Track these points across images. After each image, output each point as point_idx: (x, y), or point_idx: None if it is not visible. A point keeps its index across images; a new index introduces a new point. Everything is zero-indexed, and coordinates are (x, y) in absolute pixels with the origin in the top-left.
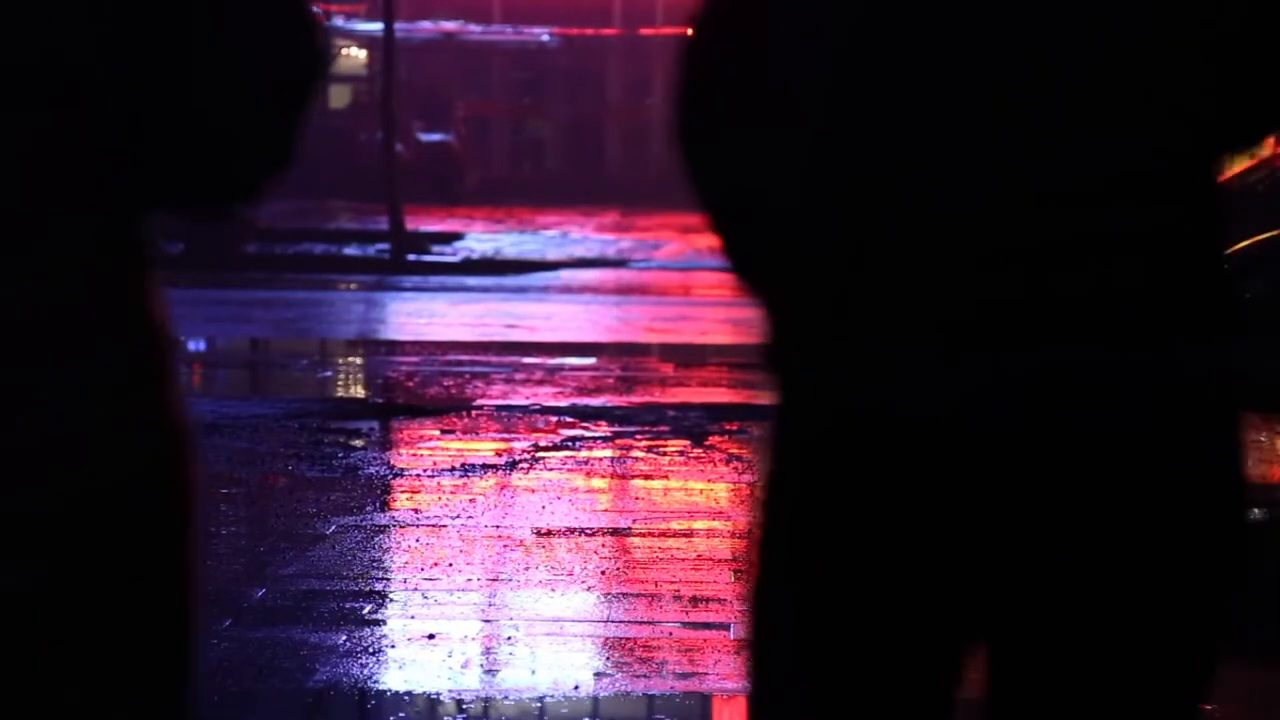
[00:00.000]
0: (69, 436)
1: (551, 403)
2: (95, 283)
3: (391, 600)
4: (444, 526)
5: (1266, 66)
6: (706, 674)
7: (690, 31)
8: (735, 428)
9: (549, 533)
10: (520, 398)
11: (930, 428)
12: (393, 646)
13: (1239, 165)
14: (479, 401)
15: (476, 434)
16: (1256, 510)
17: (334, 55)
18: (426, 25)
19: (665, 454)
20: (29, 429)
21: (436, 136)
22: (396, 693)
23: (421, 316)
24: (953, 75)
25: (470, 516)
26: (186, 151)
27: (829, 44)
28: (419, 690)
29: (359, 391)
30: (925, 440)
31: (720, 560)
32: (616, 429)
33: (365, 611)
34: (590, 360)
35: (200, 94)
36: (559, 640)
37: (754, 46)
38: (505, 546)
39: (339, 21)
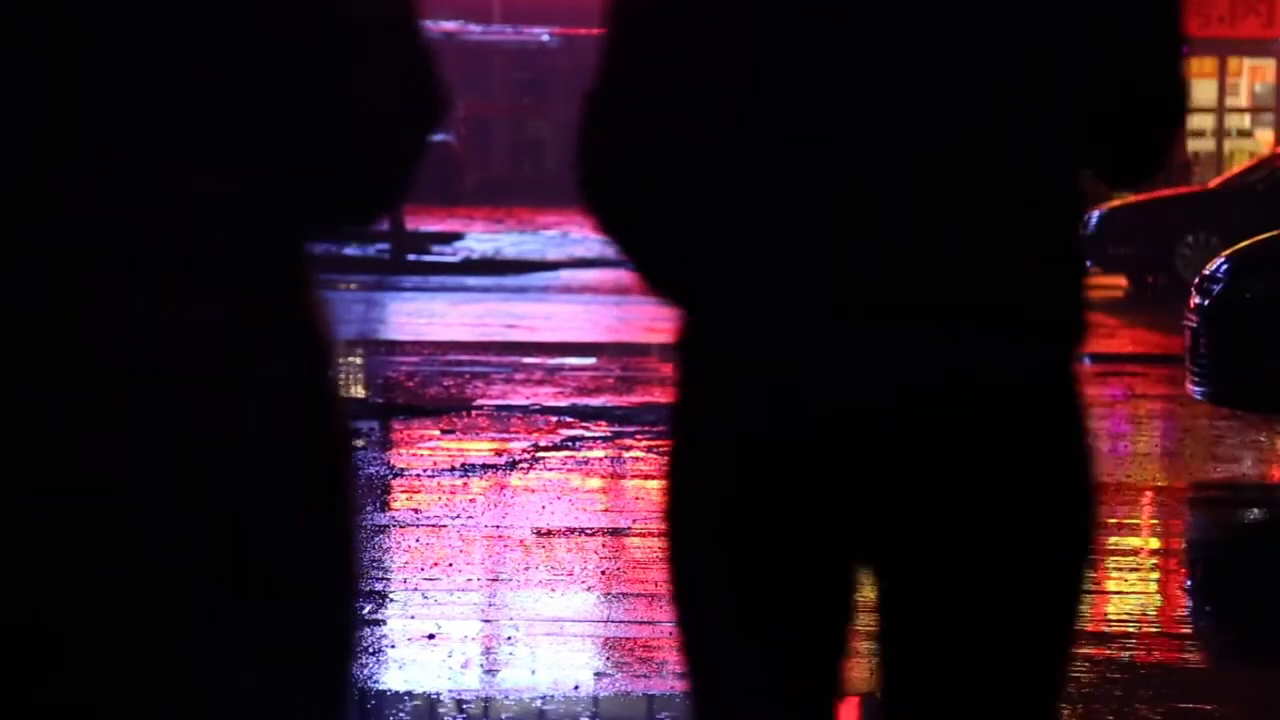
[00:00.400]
0: (269, 420)
1: (551, 403)
2: (277, 290)
3: (391, 600)
4: (444, 526)
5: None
6: None
7: (591, 86)
8: None
9: (549, 533)
10: (520, 398)
11: (819, 397)
12: (393, 646)
13: (1239, 165)
14: (479, 401)
15: (476, 434)
16: (1256, 510)
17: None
18: (426, 25)
19: (665, 454)
20: (234, 415)
21: (436, 136)
22: (396, 693)
23: (421, 316)
24: (836, 110)
25: (470, 516)
26: (337, 184)
27: (722, 89)
28: (419, 690)
29: (359, 391)
30: (816, 408)
31: None
32: (616, 429)
33: (365, 611)
34: (590, 360)
35: (348, 139)
36: (559, 640)
37: (648, 94)
38: (505, 546)
39: None
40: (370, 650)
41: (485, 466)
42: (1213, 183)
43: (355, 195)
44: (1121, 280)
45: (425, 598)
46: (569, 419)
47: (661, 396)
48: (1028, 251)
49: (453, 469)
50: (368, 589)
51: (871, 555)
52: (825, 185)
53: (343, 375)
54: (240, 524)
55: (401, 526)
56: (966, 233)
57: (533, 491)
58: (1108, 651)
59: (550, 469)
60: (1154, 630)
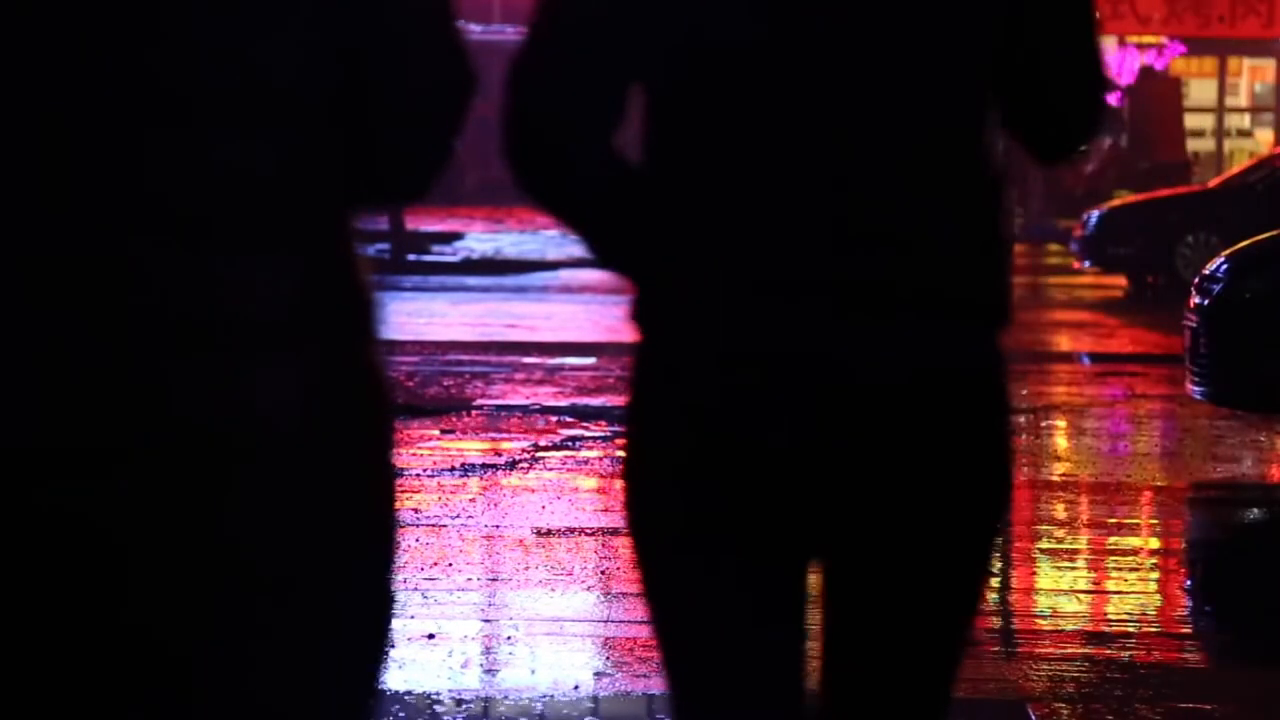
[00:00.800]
0: (326, 369)
1: (551, 402)
2: (333, 254)
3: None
4: (444, 526)
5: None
6: None
7: (512, 63)
8: None
9: (548, 532)
10: (520, 397)
11: (762, 371)
12: (393, 646)
13: (1239, 165)
14: (479, 401)
15: (476, 434)
16: (1256, 510)
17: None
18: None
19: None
20: (296, 365)
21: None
22: (396, 693)
23: (421, 316)
24: (779, 82)
25: (470, 516)
26: (379, 162)
27: (657, 68)
28: (419, 690)
29: None
30: (759, 385)
31: None
32: (616, 429)
33: None
34: (590, 360)
35: (391, 119)
36: (559, 640)
37: (577, 64)
38: (504, 546)
39: None
40: None
41: (485, 466)
42: (1213, 183)
43: (401, 172)
44: (1121, 280)
45: (425, 598)
46: (569, 419)
47: None
48: (957, 235)
49: (452, 469)
50: None
51: (817, 537)
52: (758, 167)
53: None
54: (304, 464)
55: (401, 526)
56: (895, 215)
57: (532, 491)
58: (1108, 651)
59: (550, 469)
60: (1154, 630)
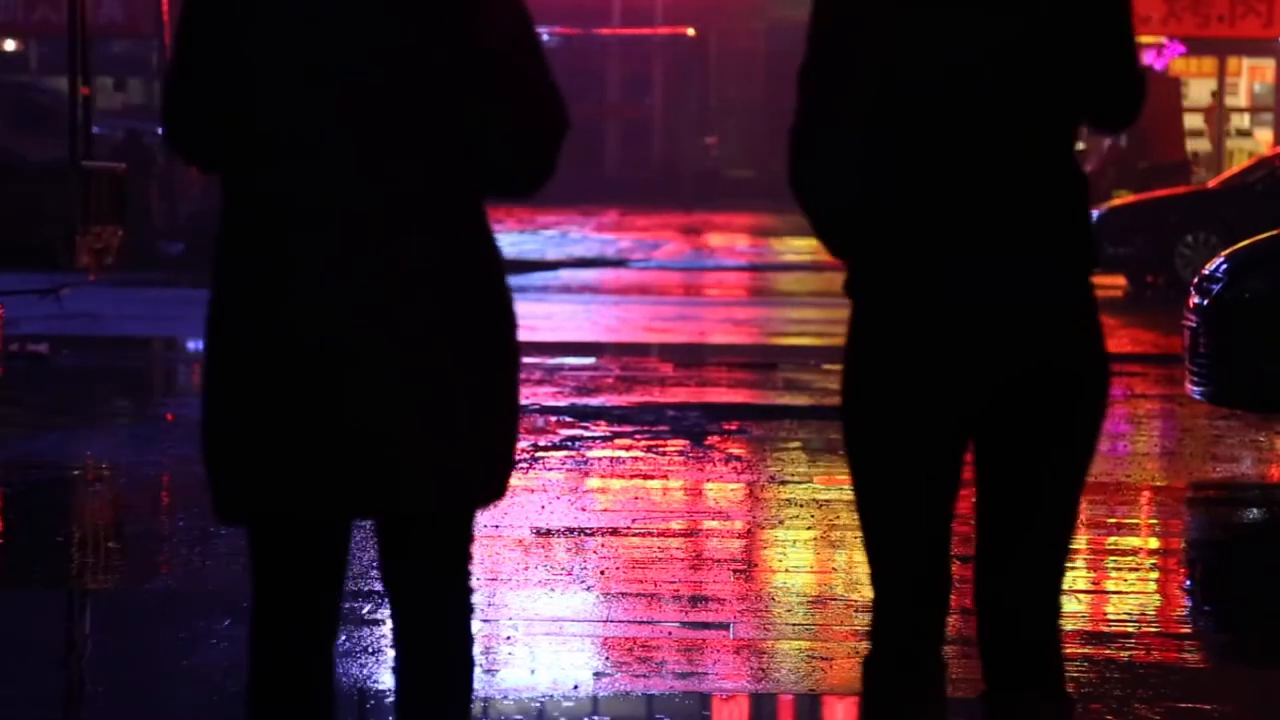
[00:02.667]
0: (484, 311)
1: (551, 402)
2: (478, 234)
3: None
4: None
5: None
6: (706, 674)
7: (793, 123)
8: (734, 428)
9: (548, 532)
10: (520, 397)
11: (946, 306)
12: (393, 647)
13: (1239, 165)
14: None
15: None
16: (1256, 510)
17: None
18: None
19: (665, 454)
20: (452, 300)
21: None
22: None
23: None
24: (929, 74)
25: None
26: (502, 176)
27: (883, 114)
28: None
29: None
30: (944, 313)
31: (720, 560)
32: (616, 429)
33: (365, 611)
34: (590, 360)
35: (508, 151)
36: (559, 640)
37: (827, 127)
38: (505, 546)
39: None
40: (370, 650)
41: None
42: (1212, 183)
43: (518, 183)
44: (1121, 280)
45: None
46: (569, 419)
47: (661, 396)
48: (1061, 206)
49: None
50: (367, 589)
51: (987, 423)
52: (942, 171)
53: None
54: (459, 365)
55: None
56: (1036, 197)
57: (532, 491)
58: (1107, 651)
59: (550, 469)
60: (1153, 630)
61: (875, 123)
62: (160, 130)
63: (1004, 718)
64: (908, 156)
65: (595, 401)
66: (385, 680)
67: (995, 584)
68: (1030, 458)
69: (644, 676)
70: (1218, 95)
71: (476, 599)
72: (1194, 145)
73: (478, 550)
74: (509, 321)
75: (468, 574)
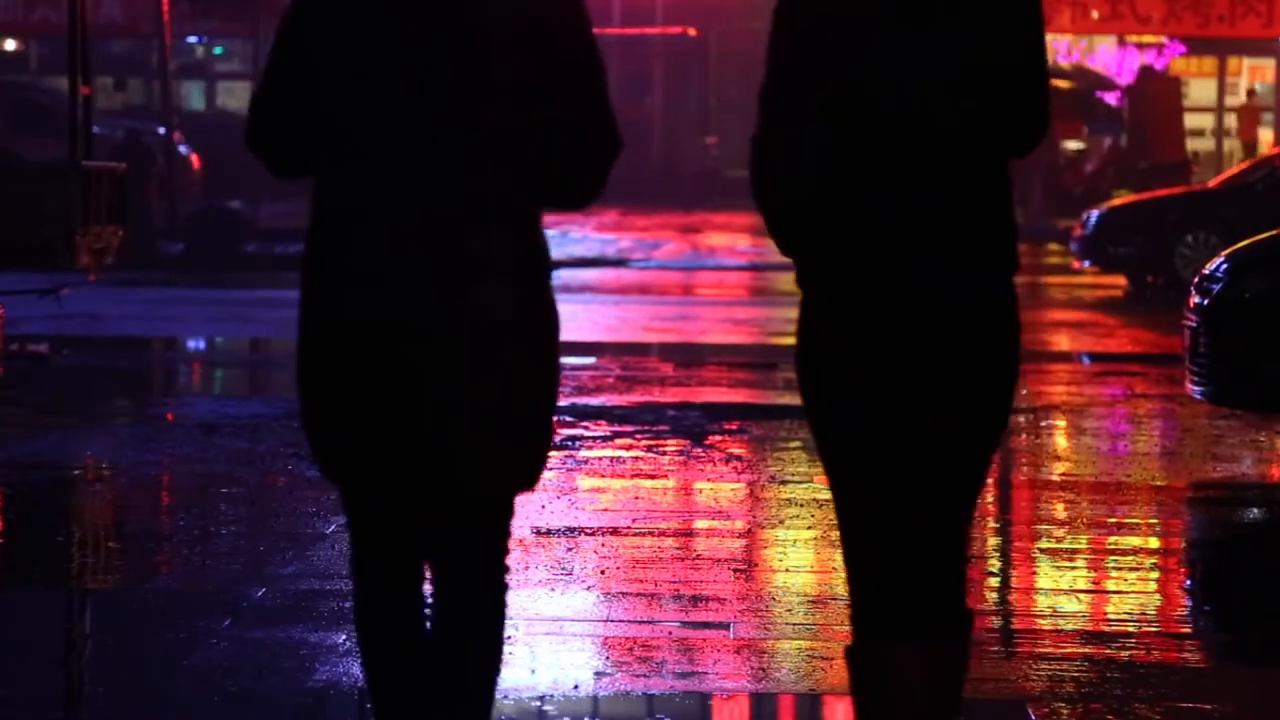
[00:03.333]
0: (538, 302)
1: None
2: (537, 238)
3: None
4: None
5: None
6: (706, 673)
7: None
8: (734, 427)
9: (548, 532)
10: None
11: (880, 299)
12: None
13: (1239, 165)
14: None
15: None
16: (1256, 510)
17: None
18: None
19: (665, 454)
20: (515, 294)
21: None
22: None
23: None
24: (876, 99)
25: None
26: (563, 187)
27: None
28: None
29: None
30: (879, 309)
31: (720, 560)
32: (616, 428)
33: None
34: (589, 360)
35: (569, 166)
36: (559, 640)
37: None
38: None
39: None
40: None
41: None
42: (1212, 183)
43: (577, 193)
44: (1121, 280)
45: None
46: (568, 419)
47: (661, 396)
48: (987, 222)
49: None
50: None
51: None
52: (881, 180)
53: None
54: (522, 350)
55: None
56: (953, 211)
57: (532, 491)
58: (1108, 651)
59: (550, 469)
60: (1154, 630)
61: (823, 136)
62: (248, 140)
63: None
64: (851, 166)
65: (595, 401)
66: None
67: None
68: (955, 445)
69: (644, 676)
70: (1251, 94)
71: None
72: (1194, 145)
73: None
74: (556, 321)
75: (504, 569)
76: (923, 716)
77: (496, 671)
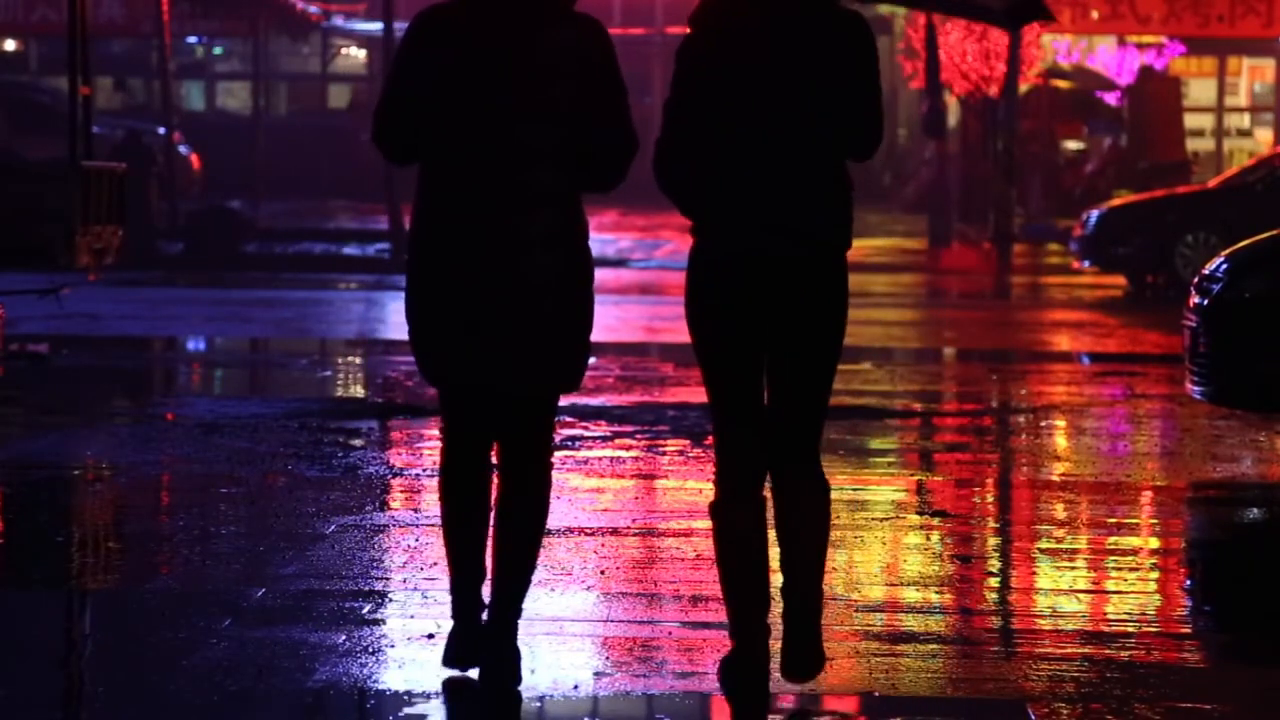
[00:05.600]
0: (580, 258)
1: None
2: (577, 213)
3: (391, 600)
4: None
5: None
6: (706, 674)
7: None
8: None
9: (548, 532)
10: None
11: (744, 256)
12: (392, 646)
13: (1238, 165)
14: None
15: None
16: (1256, 510)
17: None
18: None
19: (665, 454)
20: (566, 258)
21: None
22: (396, 692)
23: None
24: (737, 113)
25: None
26: (594, 177)
27: (705, 125)
28: (419, 690)
29: (359, 391)
30: (744, 261)
31: None
32: (615, 428)
33: (365, 611)
34: (589, 360)
35: (600, 162)
36: (559, 640)
37: (679, 134)
38: None
39: (339, 21)
40: (370, 650)
41: None
42: (1212, 183)
43: (604, 180)
44: (1121, 280)
45: (425, 598)
46: (568, 419)
47: (661, 396)
48: (825, 200)
49: None
50: (368, 589)
51: (765, 342)
52: (738, 163)
53: (343, 375)
54: (567, 291)
55: (401, 526)
56: (799, 190)
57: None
58: (1107, 651)
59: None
60: (1154, 630)
61: (706, 138)
62: (373, 138)
63: (784, 484)
64: (724, 161)
65: (595, 401)
66: (385, 680)
67: (777, 418)
68: (790, 369)
69: (644, 676)
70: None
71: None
72: (1194, 145)
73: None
74: (592, 270)
75: (551, 451)
76: (763, 562)
77: (543, 523)
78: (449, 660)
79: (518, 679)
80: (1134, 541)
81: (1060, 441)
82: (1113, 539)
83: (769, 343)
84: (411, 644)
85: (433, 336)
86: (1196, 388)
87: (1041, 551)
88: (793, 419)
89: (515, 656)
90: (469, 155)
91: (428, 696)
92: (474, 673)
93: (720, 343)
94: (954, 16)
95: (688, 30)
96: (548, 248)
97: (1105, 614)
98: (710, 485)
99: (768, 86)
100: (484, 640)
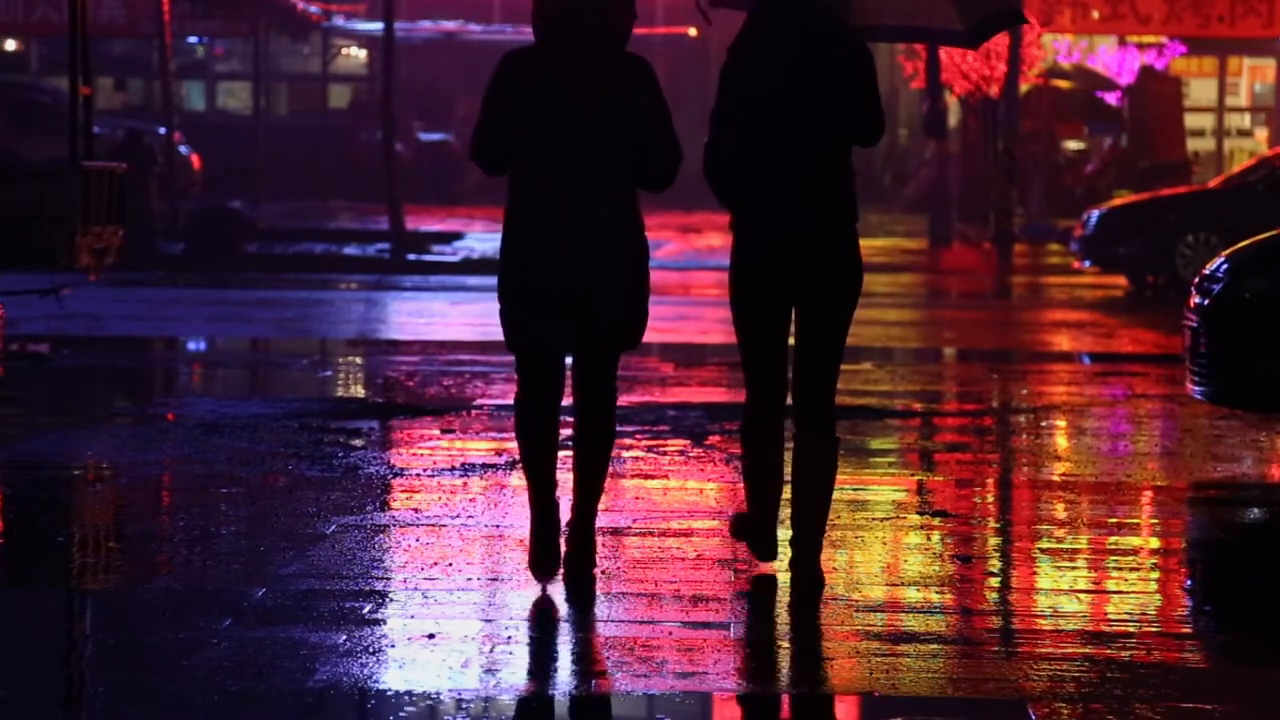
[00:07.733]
0: (632, 242)
1: None
2: (633, 203)
3: (391, 600)
4: (444, 526)
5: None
6: (706, 674)
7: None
8: (735, 427)
9: None
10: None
11: (780, 231)
12: (393, 646)
13: (1239, 165)
14: (479, 401)
15: (477, 434)
16: (1256, 510)
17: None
18: (426, 25)
19: (665, 454)
20: (619, 242)
21: (436, 136)
22: (396, 692)
23: (421, 316)
24: (770, 122)
25: (470, 516)
26: (648, 178)
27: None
28: (419, 690)
29: (359, 391)
30: (780, 235)
31: (720, 560)
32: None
33: (365, 611)
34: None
35: (652, 166)
36: (559, 640)
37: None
38: (505, 546)
39: (339, 21)
40: (370, 650)
41: (485, 466)
42: (1213, 182)
43: (659, 180)
44: (1121, 280)
45: (425, 597)
46: (569, 419)
47: (661, 396)
48: (837, 186)
49: (453, 469)
50: (368, 589)
51: (796, 297)
52: (772, 161)
53: (343, 375)
54: (620, 268)
55: (401, 526)
56: (818, 179)
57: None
58: (1108, 651)
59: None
60: (1154, 630)
61: (745, 142)
62: (471, 155)
63: (802, 445)
64: (761, 159)
65: None
66: (385, 680)
67: (801, 379)
68: (818, 317)
69: (644, 676)
70: None
71: (477, 597)
72: (1194, 145)
73: (479, 549)
74: (647, 251)
75: (615, 378)
76: (779, 468)
77: (610, 447)
78: (536, 565)
79: (594, 563)
80: (1134, 541)
81: (1061, 441)
82: (1113, 539)
83: (800, 296)
84: (412, 644)
85: (523, 308)
86: (1197, 388)
87: (1042, 551)
88: (817, 366)
89: (593, 546)
90: (544, 169)
91: (428, 696)
92: (474, 672)
93: (761, 300)
94: (917, 44)
95: (728, 57)
96: (612, 230)
97: (1106, 614)
98: (711, 485)
99: (792, 101)
100: (568, 536)
